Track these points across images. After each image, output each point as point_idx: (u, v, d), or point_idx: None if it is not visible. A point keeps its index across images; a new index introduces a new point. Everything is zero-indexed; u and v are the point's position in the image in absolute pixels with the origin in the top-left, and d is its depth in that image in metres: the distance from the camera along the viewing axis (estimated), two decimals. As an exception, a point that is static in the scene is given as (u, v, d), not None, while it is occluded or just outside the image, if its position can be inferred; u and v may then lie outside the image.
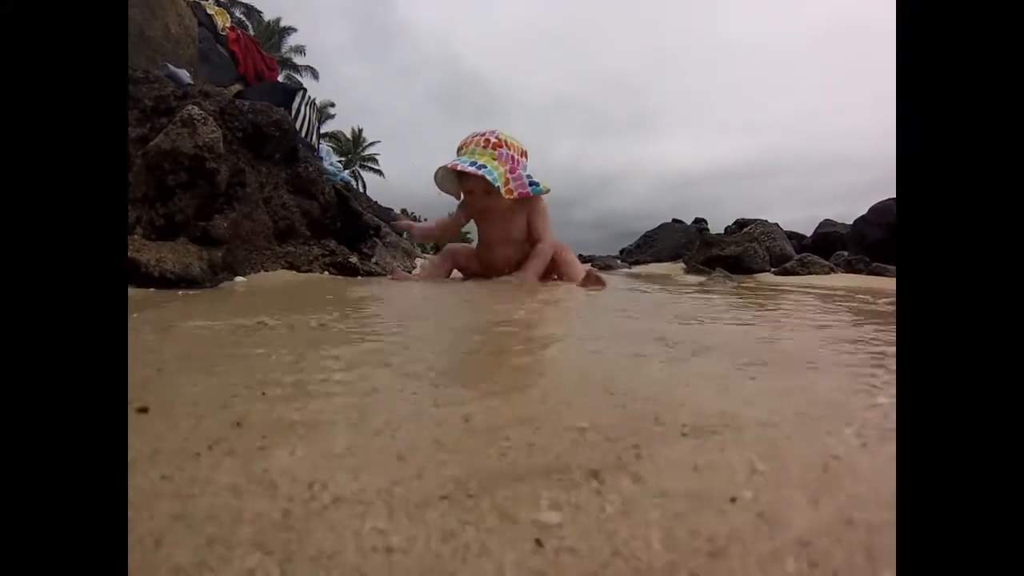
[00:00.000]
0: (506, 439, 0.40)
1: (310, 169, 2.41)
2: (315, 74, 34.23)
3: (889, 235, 3.90)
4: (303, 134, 3.62)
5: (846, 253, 4.42)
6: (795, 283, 3.15)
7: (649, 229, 8.96)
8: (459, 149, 2.17)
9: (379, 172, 42.57)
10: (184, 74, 2.98)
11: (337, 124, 41.13)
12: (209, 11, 4.76)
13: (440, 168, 2.12)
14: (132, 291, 1.38)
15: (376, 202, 12.08)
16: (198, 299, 1.30)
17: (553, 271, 2.19)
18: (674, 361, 0.69)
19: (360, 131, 42.89)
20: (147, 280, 1.44)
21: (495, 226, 2.18)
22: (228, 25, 4.88)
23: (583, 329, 1.05)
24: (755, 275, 3.96)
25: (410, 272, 2.77)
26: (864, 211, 5.63)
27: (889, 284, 2.95)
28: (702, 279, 3.23)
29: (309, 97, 3.64)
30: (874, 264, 3.55)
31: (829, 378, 0.63)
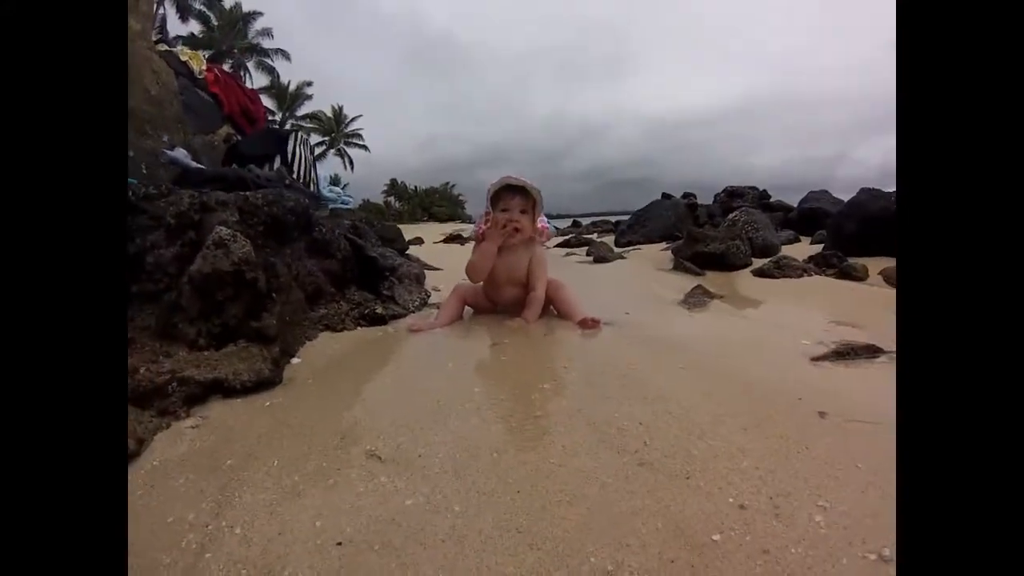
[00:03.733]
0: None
1: (324, 231, 2.65)
2: (287, 56, 33.55)
3: (862, 228, 4.30)
4: (299, 174, 3.83)
5: (824, 233, 5.08)
6: (765, 307, 3.28)
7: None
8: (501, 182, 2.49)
9: (364, 147, 42.30)
10: (182, 153, 3.16)
11: (315, 104, 40.56)
12: (183, 58, 4.81)
13: (504, 176, 2.48)
14: (222, 406, 1.63)
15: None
16: (283, 411, 1.56)
17: (551, 305, 2.58)
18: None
19: (341, 108, 42.29)
20: (231, 392, 1.72)
21: (505, 267, 2.53)
22: (204, 68, 4.95)
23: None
24: (737, 271, 4.23)
25: (425, 300, 3.04)
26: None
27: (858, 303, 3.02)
28: (685, 290, 3.50)
29: (302, 136, 3.88)
30: (845, 263, 3.90)
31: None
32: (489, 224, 2.50)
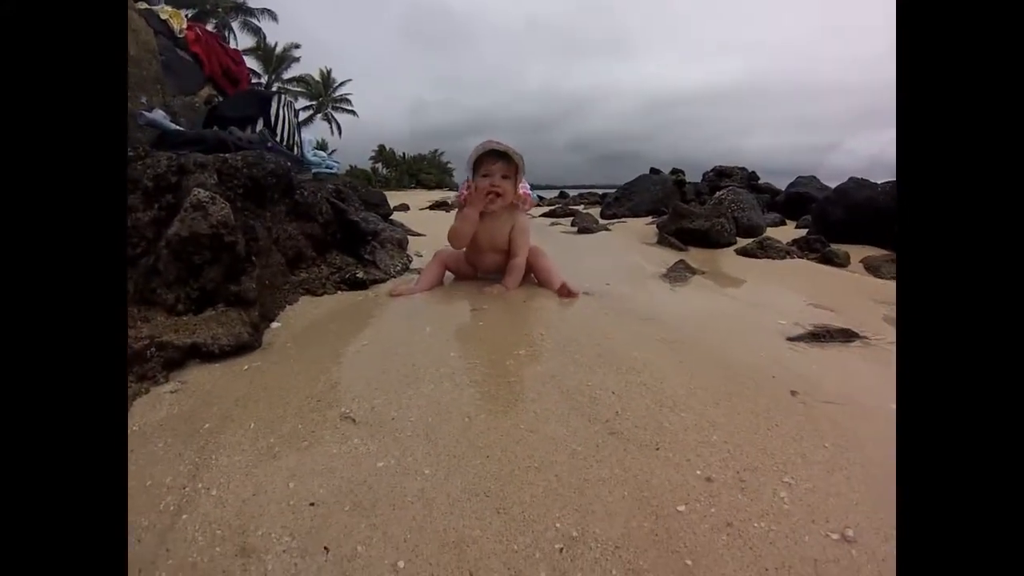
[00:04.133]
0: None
1: (306, 194, 2.61)
2: (274, 16, 32.76)
3: (847, 216, 4.43)
4: (282, 137, 3.75)
5: (809, 218, 5.17)
6: (746, 285, 3.27)
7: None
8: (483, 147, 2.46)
9: (353, 112, 41.67)
10: (160, 115, 3.06)
11: (303, 68, 39.74)
12: (163, 16, 4.60)
13: (486, 141, 2.45)
14: (201, 371, 1.63)
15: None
16: (261, 375, 1.56)
17: (531, 272, 2.59)
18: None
19: (329, 72, 41.43)
20: (209, 357, 1.72)
21: (486, 233, 2.52)
22: (185, 27, 4.77)
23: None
24: (720, 249, 4.36)
25: (407, 266, 3.03)
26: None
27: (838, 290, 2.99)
28: (667, 264, 3.51)
29: (285, 99, 3.78)
30: (828, 249, 3.94)
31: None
32: (471, 190, 2.49)
